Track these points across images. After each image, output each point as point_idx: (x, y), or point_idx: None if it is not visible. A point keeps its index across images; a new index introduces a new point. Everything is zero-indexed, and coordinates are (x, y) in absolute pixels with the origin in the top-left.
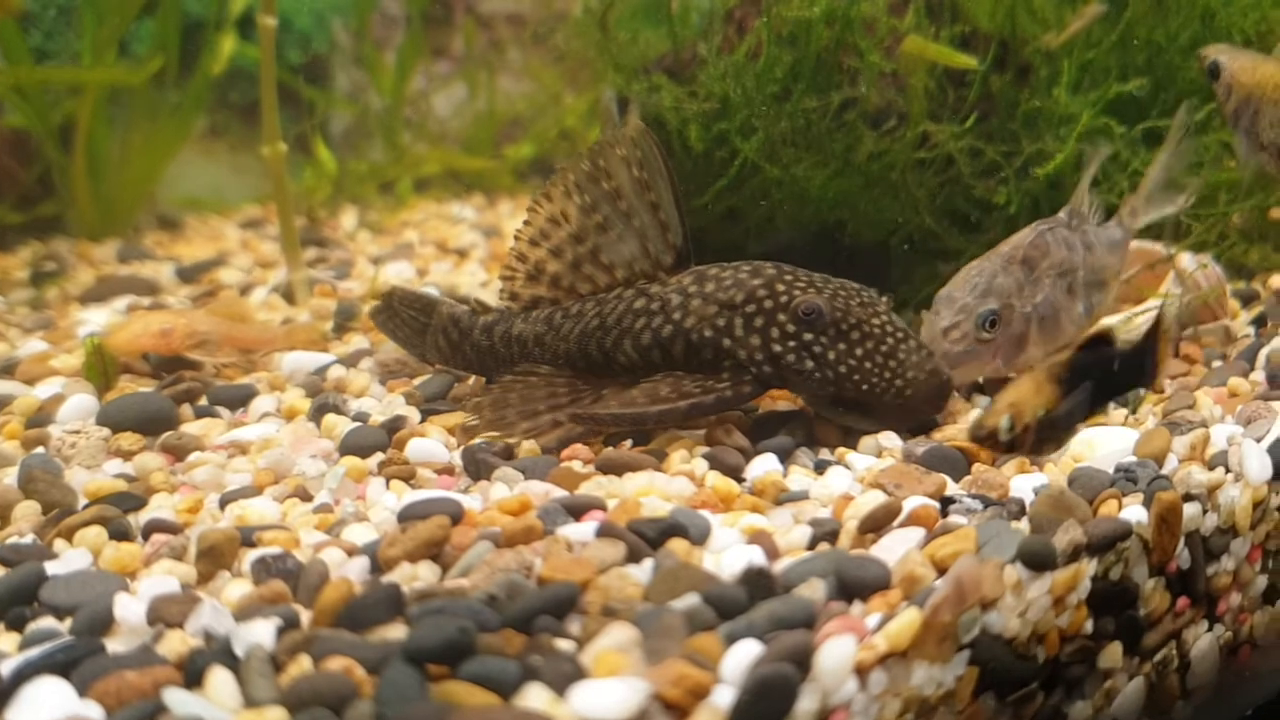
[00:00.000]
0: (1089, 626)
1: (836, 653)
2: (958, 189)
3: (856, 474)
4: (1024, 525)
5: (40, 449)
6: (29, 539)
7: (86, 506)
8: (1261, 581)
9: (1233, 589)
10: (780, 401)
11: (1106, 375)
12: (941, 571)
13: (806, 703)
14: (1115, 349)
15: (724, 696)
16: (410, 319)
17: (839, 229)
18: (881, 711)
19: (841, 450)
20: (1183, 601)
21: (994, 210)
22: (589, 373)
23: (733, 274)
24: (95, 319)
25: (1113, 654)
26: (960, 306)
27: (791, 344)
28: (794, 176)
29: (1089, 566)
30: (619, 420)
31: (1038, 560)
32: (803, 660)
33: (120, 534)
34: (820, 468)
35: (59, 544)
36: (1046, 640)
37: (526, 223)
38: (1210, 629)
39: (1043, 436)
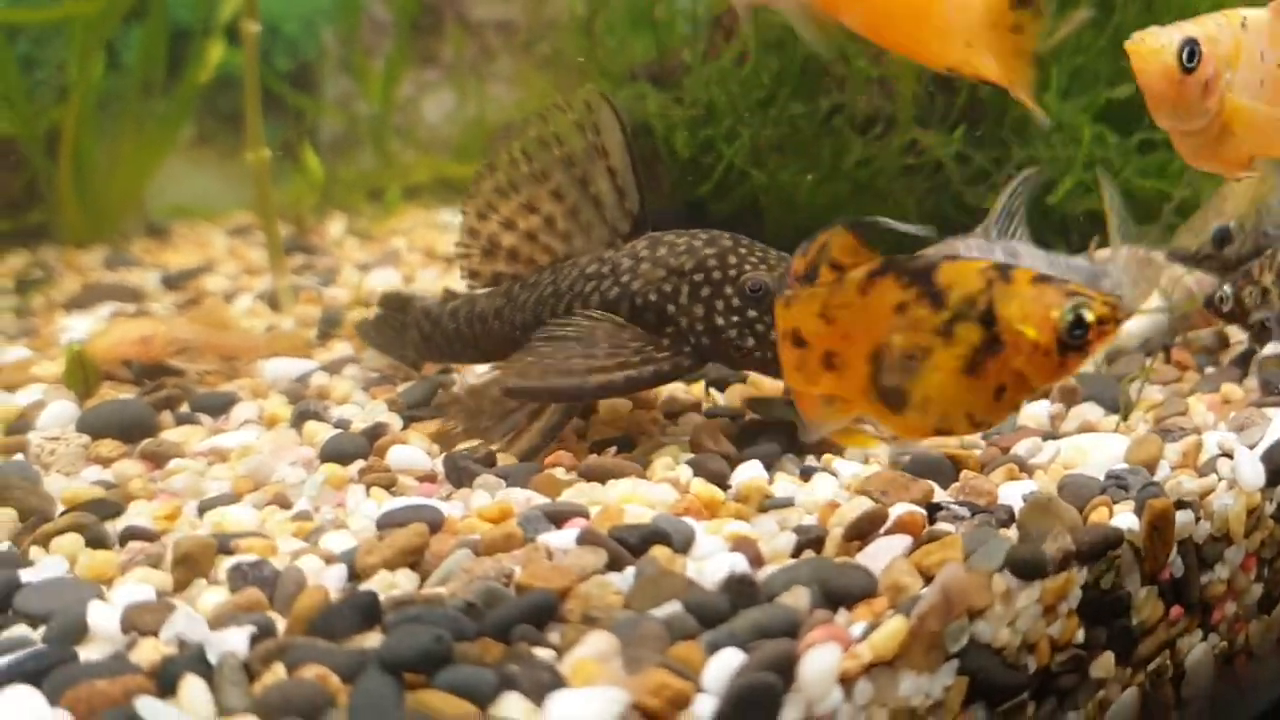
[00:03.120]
0: (1080, 636)
1: (821, 662)
2: (946, 195)
3: (843, 480)
4: (1012, 533)
5: (19, 456)
6: (4, 546)
7: (64, 513)
8: (1257, 590)
9: (1227, 598)
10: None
11: None
12: (928, 580)
13: (790, 713)
14: None
15: (705, 706)
16: (391, 319)
17: None
18: None
19: (828, 457)
20: (1176, 610)
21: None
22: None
23: (688, 241)
24: (79, 326)
25: (1105, 663)
26: None
27: (734, 319)
28: (780, 183)
29: (1080, 575)
30: (555, 393)
31: (1027, 568)
32: (786, 669)
33: (97, 541)
34: (806, 474)
35: (35, 551)
36: (1037, 650)
37: (471, 196)
38: (1205, 638)
39: None
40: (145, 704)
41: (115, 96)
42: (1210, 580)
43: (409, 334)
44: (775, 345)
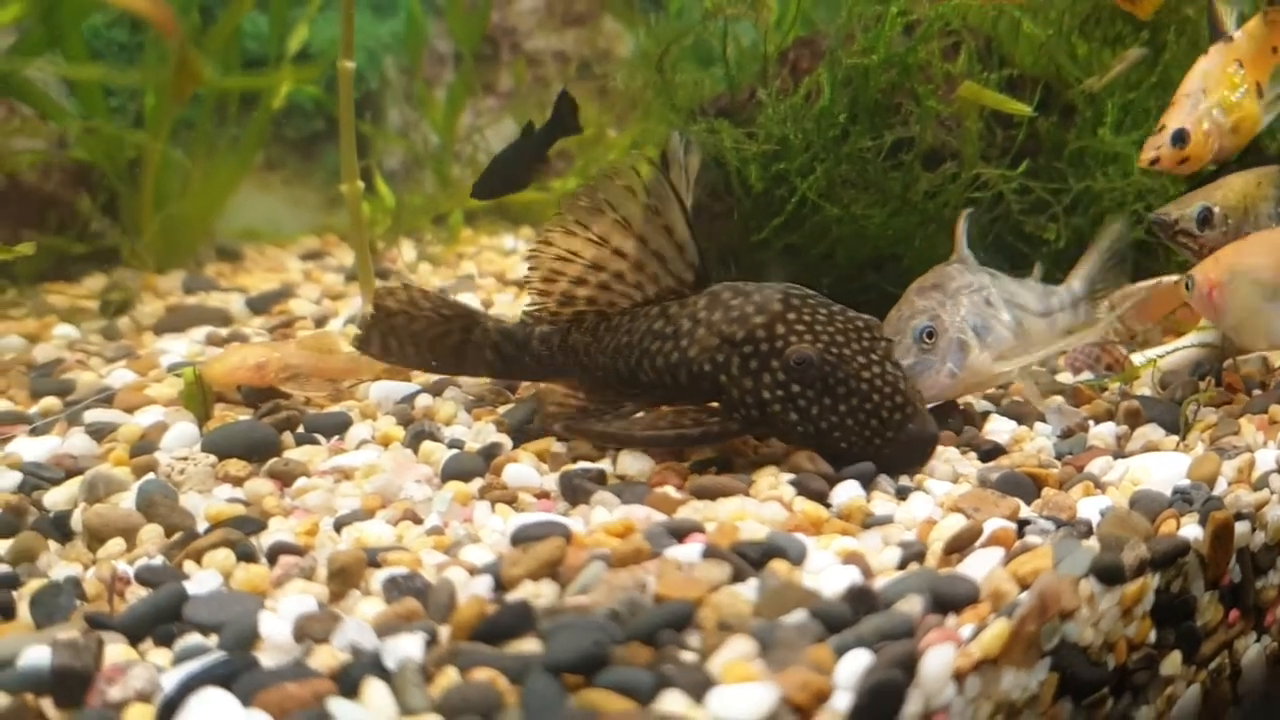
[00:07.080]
0: (1153, 636)
1: (938, 660)
2: (1007, 225)
3: (936, 499)
4: (1093, 543)
5: (151, 475)
6: (158, 561)
7: (208, 530)
8: None
9: (1278, 602)
10: None
11: None
12: (1023, 587)
13: (913, 706)
14: None
15: (842, 701)
16: (422, 321)
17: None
18: (976, 713)
19: (920, 477)
20: (1234, 613)
21: (1042, 245)
22: (621, 387)
23: (741, 304)
24: (175, 349)
25: (1173, 662)
26: (894, 331)
27: (779, 393)
28: (853, 215)
29: (1153, 580)
30: (606, 438)
31: (1109, 575)
32: (909, 667)
33: (246, 556)
34: (901, 493)
35: (188, 565)
36: (1116, 649)
37: (533, 267)
38: (1258, 639)
39: None
40: (336, 704)
41: (188, 123)
42: (1264, 585)
43: (477, 352)
44: (817, 420)
